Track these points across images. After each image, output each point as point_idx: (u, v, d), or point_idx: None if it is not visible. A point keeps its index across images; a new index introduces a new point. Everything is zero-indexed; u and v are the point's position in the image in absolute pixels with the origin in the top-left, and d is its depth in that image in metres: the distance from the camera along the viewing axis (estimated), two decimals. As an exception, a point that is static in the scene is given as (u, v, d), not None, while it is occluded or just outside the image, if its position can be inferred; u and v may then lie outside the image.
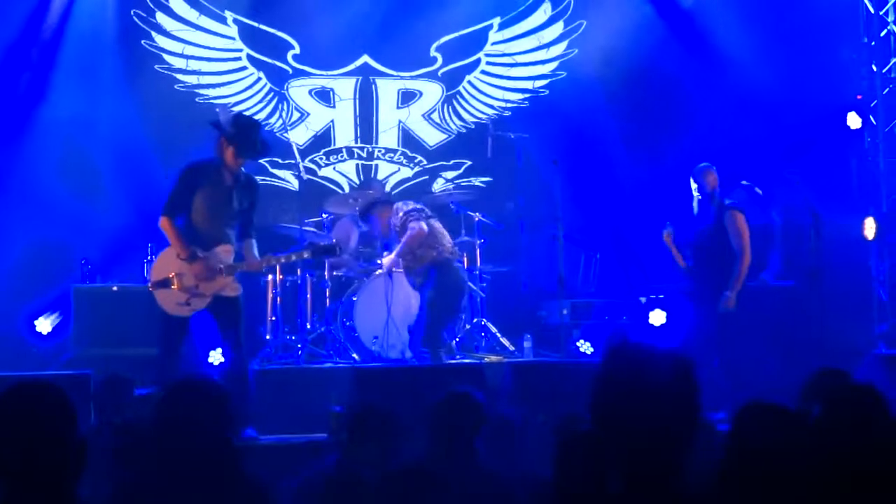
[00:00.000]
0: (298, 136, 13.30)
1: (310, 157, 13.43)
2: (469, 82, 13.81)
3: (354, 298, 11.14)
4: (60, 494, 2.66)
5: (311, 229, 11.74)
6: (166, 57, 13.18)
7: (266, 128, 13.15)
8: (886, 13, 12.82)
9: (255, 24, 13.35)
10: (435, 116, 13.76)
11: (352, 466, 5.42)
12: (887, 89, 12.81)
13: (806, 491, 3.49)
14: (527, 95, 13.89)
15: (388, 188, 13.38)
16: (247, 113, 12.99)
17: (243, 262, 8.84)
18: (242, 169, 8.83)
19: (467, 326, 11.58)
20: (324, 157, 13.62)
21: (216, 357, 10.22)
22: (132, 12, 12.98)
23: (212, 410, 4.14)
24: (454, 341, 11.32)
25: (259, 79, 13.42)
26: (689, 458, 2.74)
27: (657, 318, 12.14)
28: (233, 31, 13.36)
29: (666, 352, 2.76)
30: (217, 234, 8.74)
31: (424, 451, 5.07)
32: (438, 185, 13.61)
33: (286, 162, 13.00)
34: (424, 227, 10.59)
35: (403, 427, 5.69)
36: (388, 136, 13.76)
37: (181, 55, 13.25)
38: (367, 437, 5.58)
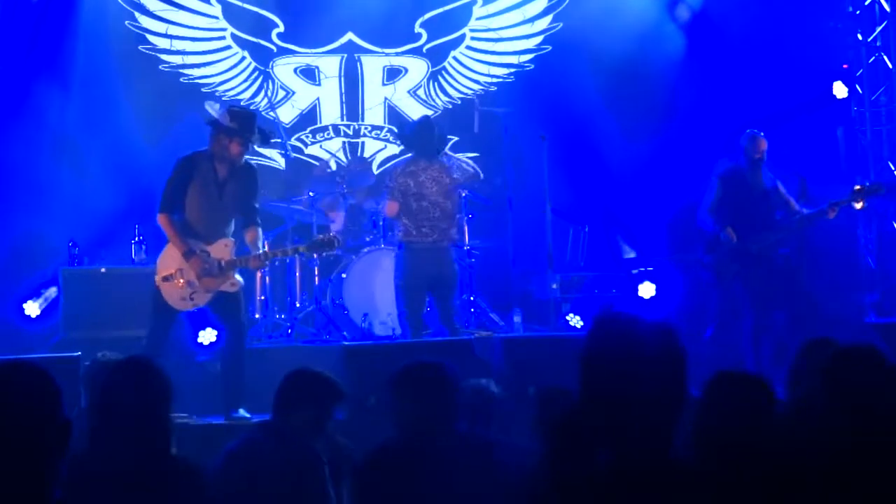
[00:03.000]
0: (284, 115, 13.25)
1: (296, 136, 13.39)
2: (454, 58, 13.76)
3: (344, 275, 11.14)
4: (41, 476, 2.66)
5: (299, 207, 11.72)
6: (150, 37, 13.11)
7: (251, 107, 13.13)
8: (871, -18, 12.82)
9: (239, 3, 13.28)
10: (420, 93, 13.72)
11: (283, 435, 5.42)
12: (873, 58, 12.82)
13: (780, 463, 3.50)
14: (512, 70, 13.85)
15: (374, 165, 13.36)
16: (231, 92, 13.02)
17: (243, 257, 8.85)
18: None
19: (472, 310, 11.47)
20: (310, 136, 13.58)
21: (206, 336, 10.21)
22: (115, -8, 12.92)
23: (146, 391, 4.20)
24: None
25: (243, 58, 13.37)
26: (677, 430, 2.74)
27: (647, 290, 12.16)
28: (216, 10, 13.29)
29: (652, 323, 2.76)
30: (214, 228, 8.78)
31: (400, 428, 5.03)
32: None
33: (272, 140, 12.96)
34: (389, 208, 10.40)
35: (338, 391, 5.68)
36: (373, 114, 13.72)
37: (165, 35, 13.18)
38: (299, 402, 5.56)
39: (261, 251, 8.98)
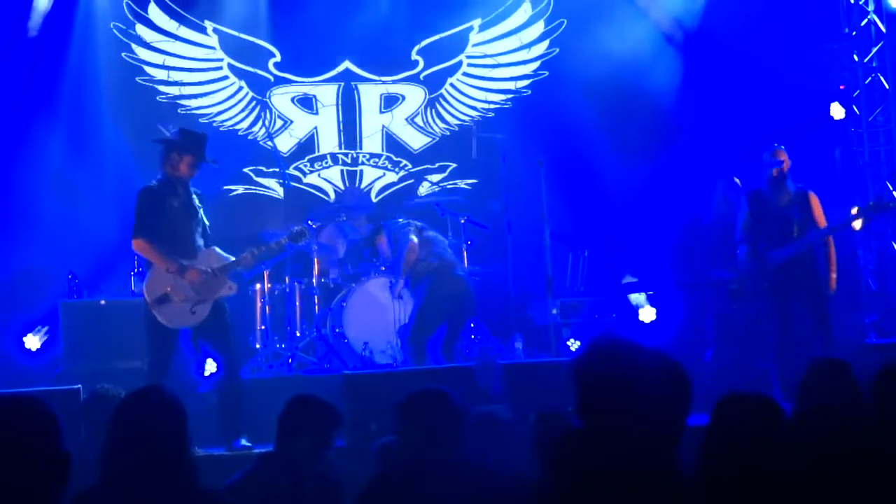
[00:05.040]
0: (282, 144, 13.27)
1: (294, 165, 13.41)
2: (451, 85, 13.79)
3: (344, 304, 11.12)
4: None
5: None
6: (147, 69, 13.14)
7: (249, 137, 13.19)
8: (866, 2, 12.85)
9: (236, 34, 13.32)
10: (418, 120, 13.75)
11: (290, 463, 5.41)
12: (869, 78, 12.84)
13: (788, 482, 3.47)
14: (509, 96, 13.88)
15: (373, 193, 13.37)
16: (228, 122, 13.06)
17: (232, 262, 8.89)
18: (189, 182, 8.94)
19: (472, 337, 11.48)
20: (308, 165, 13.60)
21: (210, 367, 10.19)
22: (112, 25, 12.93)
23: (166, 421, 4.16)
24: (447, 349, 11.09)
25: (241, 88, 13.39)
26: (678, 455, 2.73)
27: (647, 314, 12.14)
28: (213, 40, 13.32)
29: (651, 350, 2.74)
30: (193, 244, 8.82)
31: (404, 453, 5.02)
32: (424, 189, 13.60)
33: (270, 170, 13.01)
34: (415, 239, 10.65)
35: (338, 416, 5.69)
36: (372, 142, 13.75)
37: (162, 66, 13.21)
38: (302, 429, 5.55)
39: (243, 254, 9.01)
